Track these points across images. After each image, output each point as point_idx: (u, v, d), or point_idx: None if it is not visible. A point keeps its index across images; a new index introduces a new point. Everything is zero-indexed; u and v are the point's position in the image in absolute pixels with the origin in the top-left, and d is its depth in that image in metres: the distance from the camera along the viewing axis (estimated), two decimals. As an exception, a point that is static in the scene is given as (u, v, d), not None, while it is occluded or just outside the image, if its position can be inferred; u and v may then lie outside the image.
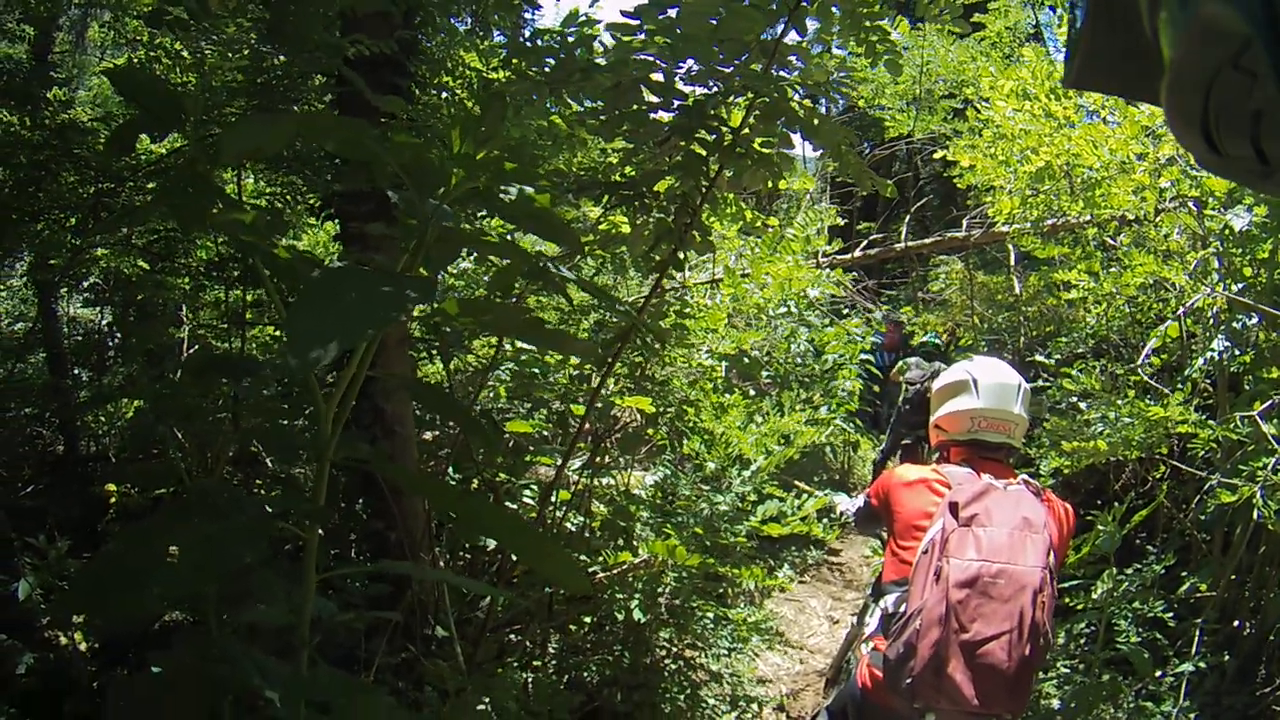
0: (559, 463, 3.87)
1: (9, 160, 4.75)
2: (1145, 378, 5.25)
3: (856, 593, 7.29)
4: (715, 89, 3.35)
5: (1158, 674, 4.55)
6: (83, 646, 4.31)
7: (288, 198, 5.23)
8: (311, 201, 5.10)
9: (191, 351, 6.02)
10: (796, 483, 7.03)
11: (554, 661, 4.76)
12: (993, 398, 3.64)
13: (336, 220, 4.43)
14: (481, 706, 3.35)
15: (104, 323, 7.15)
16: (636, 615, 4.34)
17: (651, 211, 3.52)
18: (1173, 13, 0.70)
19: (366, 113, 3.34)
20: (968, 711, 3.13)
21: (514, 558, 4.70)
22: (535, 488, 4.66)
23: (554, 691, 3.58)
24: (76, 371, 6.80)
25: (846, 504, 4.40)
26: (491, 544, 4.36)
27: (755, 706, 5.41)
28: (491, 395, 5.27)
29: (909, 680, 3.17)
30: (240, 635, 2.14)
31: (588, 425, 4.23)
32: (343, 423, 1.82)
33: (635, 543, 4.54)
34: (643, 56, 3.25)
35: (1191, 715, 4.32)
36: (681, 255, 3.48)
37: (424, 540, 4.39)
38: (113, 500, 4.77)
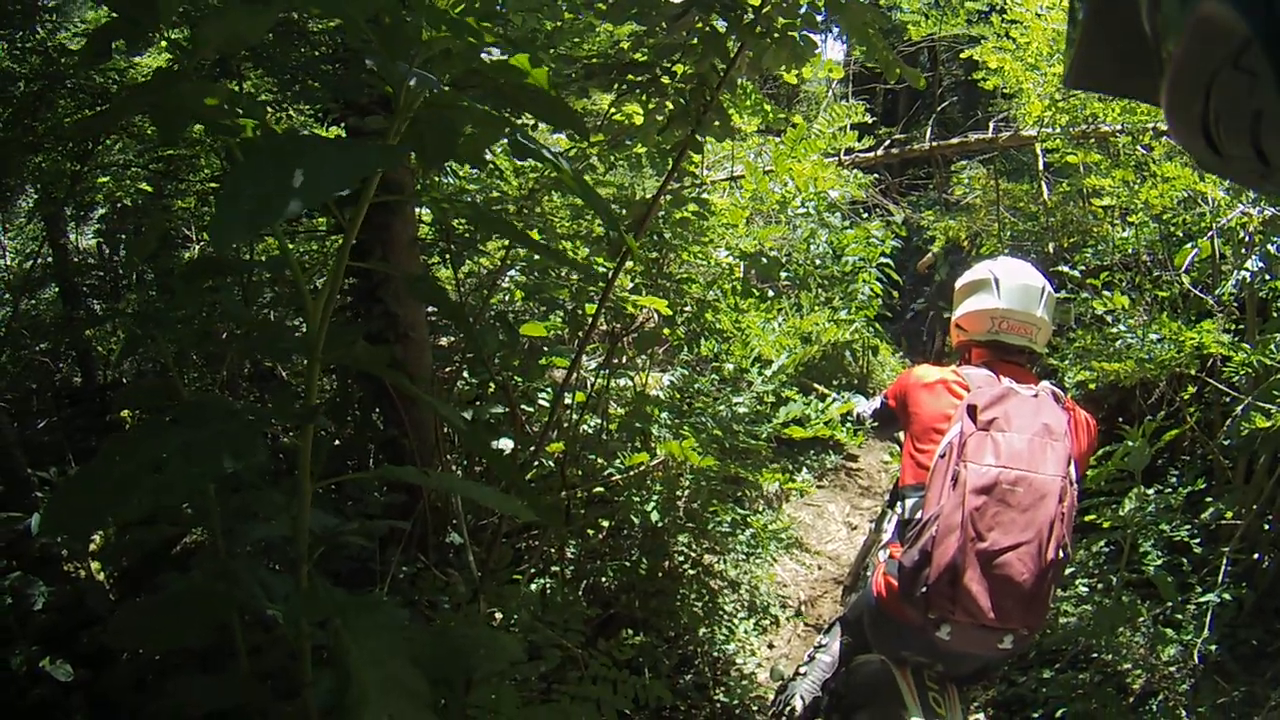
0: (571, 361, 3.74)
1: (2, 94, 4.61)
2: (1180, 294, 5.12)
3: (874, 499, 7.21)
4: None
5: (1181, 600, 4.43)
6: (101, 577, 4.29)
7: (287, 108, 5.07)
8: (316, 109, 4.94)
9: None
10: (816, 385, 6.89)
11: (571, 567, 4.71)
12: (1015, 299, 3.52)
13: (341, 125, 4.28)
14: (496, 616, 3.29)
15: (117, 251, 7.10)
16: (654, 518, 4.26)
17: (666, 95, 3.34)
18: (1172, 13, 0.71)
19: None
20: (983, 625, 3.04)
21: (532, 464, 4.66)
22: (550, 391, 4.57)
23: (569, 600, 3.49)
24: (91, 303, 6.73)
25: (863, 406, 4.30)
26: (507, 447, 4.27)
27: (773, 613, 5.39)
28: (506, 298, 5.17)
29: (923, 589, 3.08)
30: (254, 553, 2.07)
31: (600, 323, 4.12)
32: (327, 320, 1.71)
33: (653, 445, 4.44)
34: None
35: (1212, 646, 4.22)
36: (700, 138, 3.31)
37: (436, 446, 4.32)
38: (127, 426, 4.70)
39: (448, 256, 4.94)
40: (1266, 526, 4.55)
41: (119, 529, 3.73)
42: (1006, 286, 3.54)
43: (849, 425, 4.85)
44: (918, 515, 3.27)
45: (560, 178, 1.71)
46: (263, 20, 1.66)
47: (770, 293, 7.10)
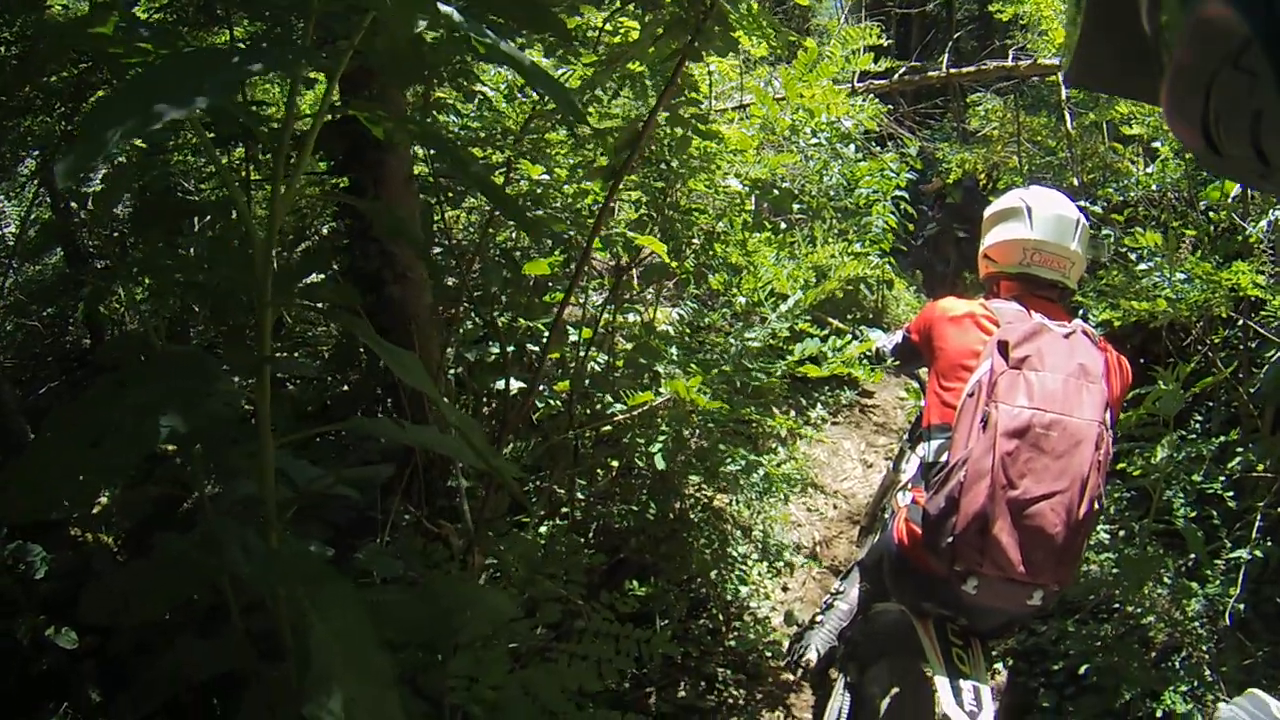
0: (572, 293, 3.57)
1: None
2: (1206, 234, 4.93)
3: (890, 436, 7.06)
4: None
5: (1209, 554, 4.25)
6: (109, 539, 4.20)
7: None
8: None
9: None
10: (830, 320, 6.74)
11: (580, 510, 4.59)
12: (1048, 229, 3.32)
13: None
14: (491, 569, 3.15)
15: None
16: (658, 462, 4.10)
17: (662, 4, 3.11)
18: (1173, 13, 0.72)
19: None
20: (1011, 579, 2.86)
21: (536, 404, 4.52)
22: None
23: (570, 548, 3.34)
24: (96, 264, 6.60)
25: (882, 340, 4.12)
26: (514, 387, 4.14)
27: (787, 556, 5.25)
28: (512, 235, 5.01)
29: (949, 539, 2.90)
30: (244, 511, 1.94)
31: (603, 256, 3.96)
32: (270, 261, 1.54)
33: (659, 384, 4.28)
34: None
35: (1240, 605, 4.05)
36: (698, 47, 3.08)
37: (438, 386, 4.17)
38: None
39: (450, 194, 4.79)
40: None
41: (123, 489, 3.64)
42: (1039, 216, 3.34)
43: (866, 363, 4.67)
44: (943, 458, 3.08)
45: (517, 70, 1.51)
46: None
47: (783, 225, 6.92)
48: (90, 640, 3.47)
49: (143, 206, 2.47)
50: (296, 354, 5.33)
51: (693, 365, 4.09)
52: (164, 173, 4.54)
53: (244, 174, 4.97)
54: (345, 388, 5.01)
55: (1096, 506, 2.91)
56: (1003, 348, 3.04)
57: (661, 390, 3.92)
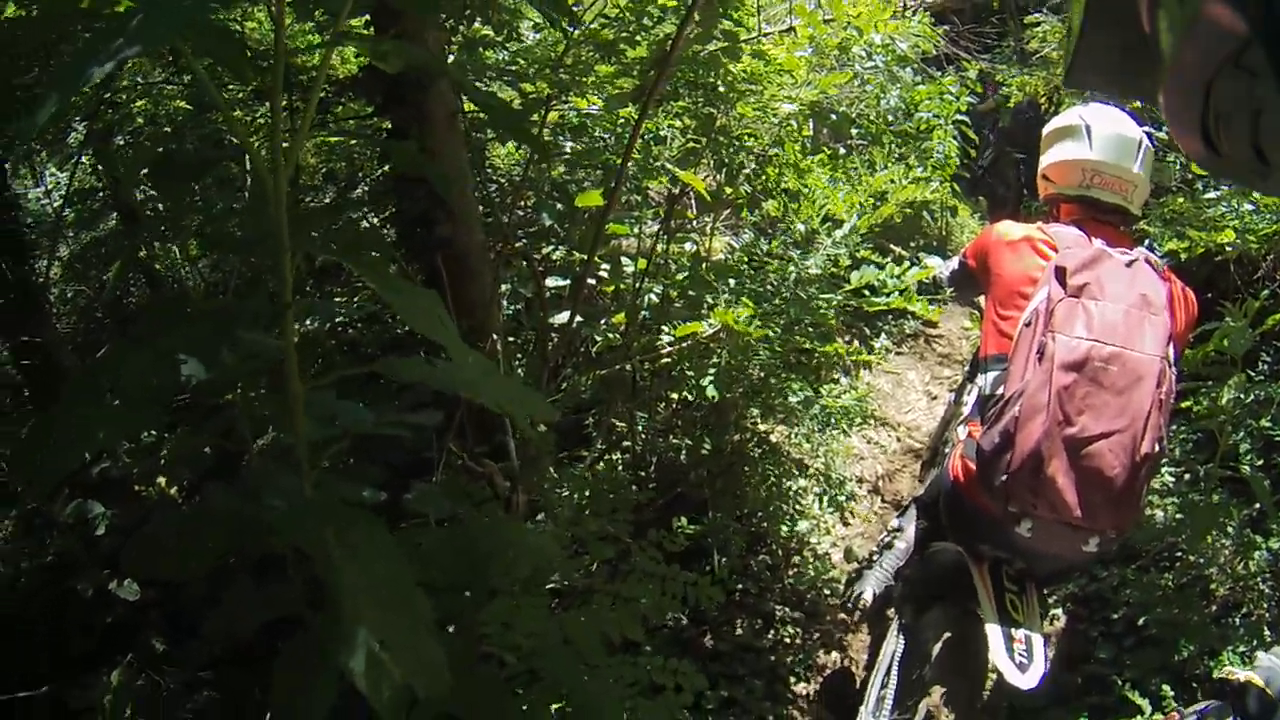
0: (609, 213, 3.47)
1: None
2: None
3: (955, 367, 6.91)
4: None
5: (1275, 504, 4.04)
6: (173, 492, 4.23)
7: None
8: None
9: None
10: (893, 247, 6.57)
11: (640, 443, 4.54)
12: (1109, 149, 3.15)
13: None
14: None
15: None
16: (710, 392, 4.00)
17: None
18: (1172, 12, 0.71)
19: None
20: (1067, 523, 2.74)
21: (595, 337, 4.46)
22: (612, 261, 4.36)
23: (616, 483, 3.26)
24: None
25: (941, 267, 3.99)
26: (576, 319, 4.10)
27: (848, 489, 5.16)
28: (565, 170, 4.92)
29: (1003, 477, 2.77)
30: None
31: (652, 185, 3.87)
32: (282, 202, 1.47)
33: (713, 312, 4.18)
34: None
35: None
36: None
37: (491, 322, 4.12)
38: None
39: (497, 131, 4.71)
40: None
41: (177, 440, 3.66)
42: (1099, 135, 3.18)
43: (926, 297, 4.51)
44: (1000, 391, 2.96)
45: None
46: None
47: (841, 151, 6.76)
48: (152, 592, 3.50)
49: (160, 162, 2.41)
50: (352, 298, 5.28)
51: (745, 297, 3.96)
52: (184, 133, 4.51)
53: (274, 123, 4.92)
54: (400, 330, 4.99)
55: (1158, 448, 2.77)
56: (1060, 274, 2.90)
57: (712, 320, 3.81)
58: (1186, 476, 4.51)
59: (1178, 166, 5.38)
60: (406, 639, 1.46)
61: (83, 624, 3.44)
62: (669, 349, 4.03)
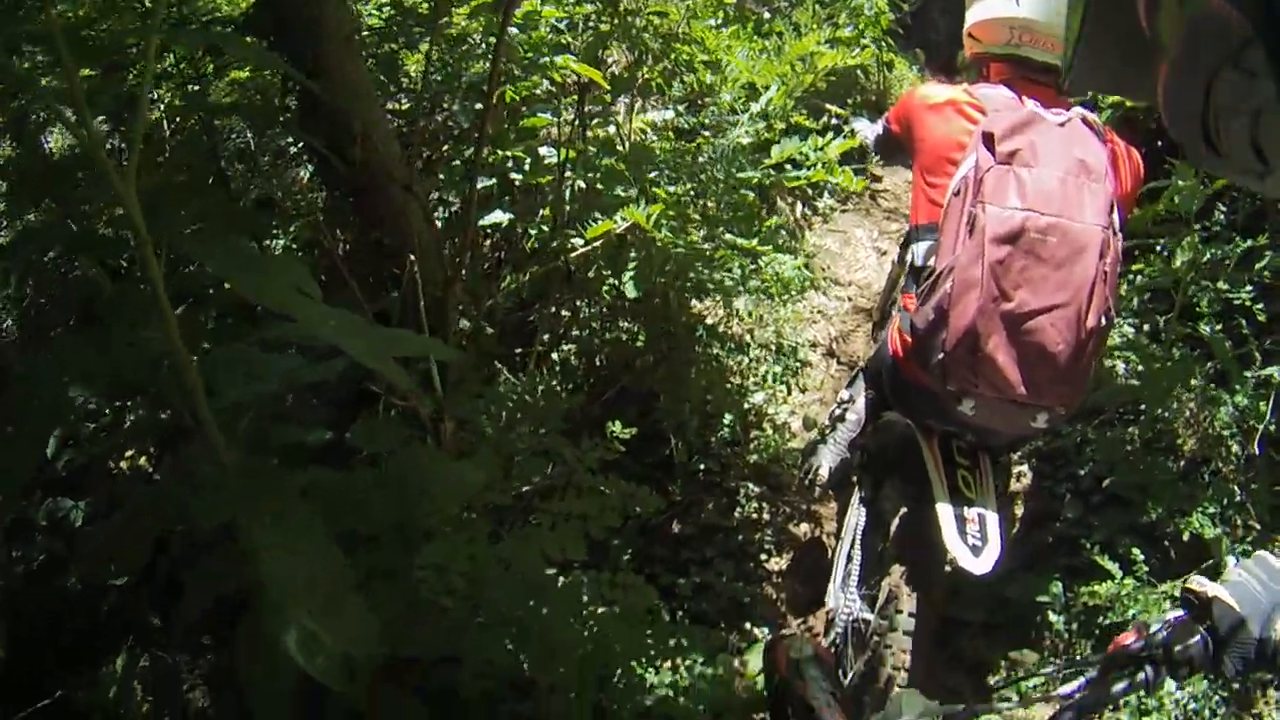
0: (489, 111, 3.38)
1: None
2: None
3: (902, 221, 6.79)
4: None
5: (1240, 366, 3.98)
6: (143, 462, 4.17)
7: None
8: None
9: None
10: (827, 106, 6.45)
11: (589, 330, 4.48)
12: (1038, 5, 2.98)
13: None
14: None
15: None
16: (629, 291, 3.92)
17: None
18: (1172, 12, 0.72)
19: None
20: (1011, 400, 2.68)
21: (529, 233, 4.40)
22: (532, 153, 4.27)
23: (545, 394, 3.19)
24: None
25: (866, 130, 3.89)
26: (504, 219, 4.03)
27: (801, 356, 5.13)
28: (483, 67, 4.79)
29: (940, 356, 2.71)
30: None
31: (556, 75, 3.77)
32: (133, 186, 1.42)
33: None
34: None
35: (1272, 427, 3.80)
36: None
37: (414, 237, 4.05)
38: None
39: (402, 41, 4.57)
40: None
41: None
42: None
43: (851, 167, 4.40)
44: (931, 262, 2.88)
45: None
46: None
47: (766, 15, 6.59)
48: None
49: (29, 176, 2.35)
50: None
51: (660, 186, 3.85)
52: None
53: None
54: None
55: (1105, 320, 2.70)
56: (988, 140, 2.78)
57: (623, 217, 3.71)
58: (1146, 328, 4.43)
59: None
60: (334, 607, 1.46)
61: (80, 619, 3.38)
62: (582, 250, 3.93)
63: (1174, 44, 0.72)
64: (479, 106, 4.14)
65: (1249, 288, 4.08)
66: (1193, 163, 0.70)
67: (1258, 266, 4.05)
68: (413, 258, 3.58)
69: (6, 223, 5.14)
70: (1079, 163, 2.74)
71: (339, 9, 3.70)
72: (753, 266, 4.30)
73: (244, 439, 1.72)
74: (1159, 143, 4.49)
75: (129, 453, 4.03)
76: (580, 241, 3.88)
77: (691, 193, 4.05)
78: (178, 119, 4.51)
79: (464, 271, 3.67)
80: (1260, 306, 4.04)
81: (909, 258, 3.17)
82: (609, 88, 4.15)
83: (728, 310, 4.80)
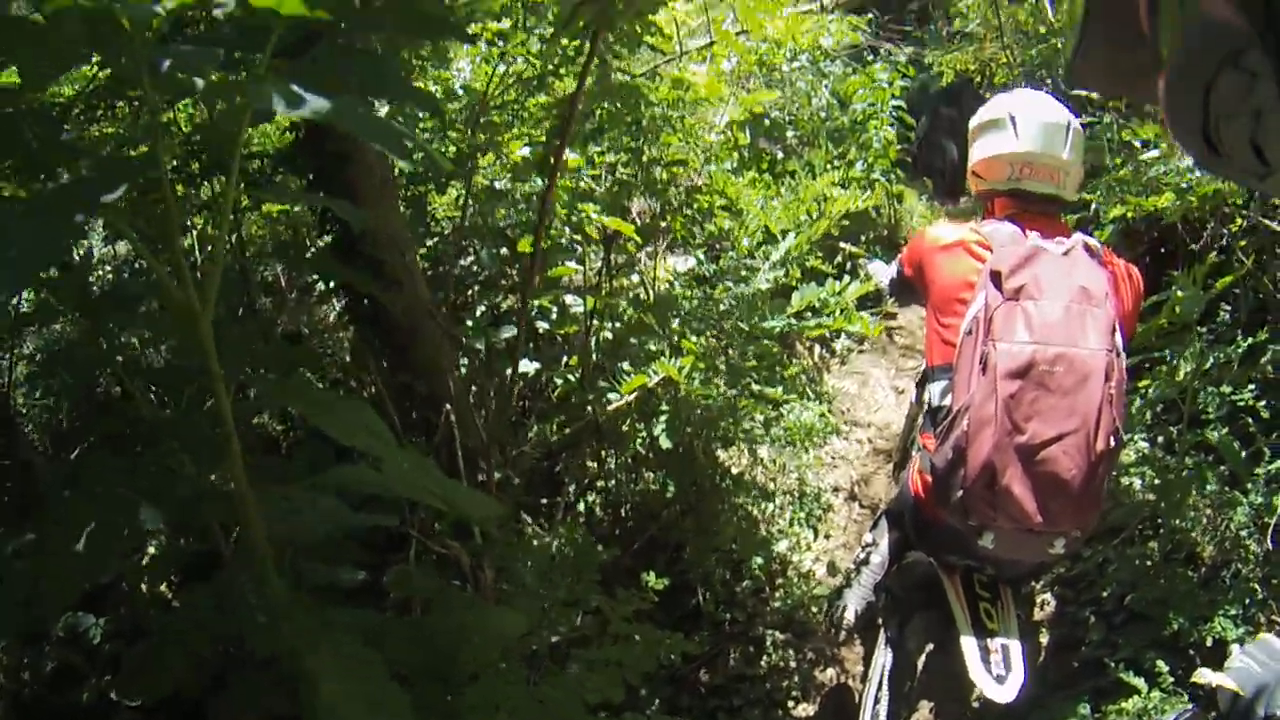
0: (533, 276, 3.45)
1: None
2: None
3: (918, 357, 6.85)
4: None
5: (1251, 464, 3.97)
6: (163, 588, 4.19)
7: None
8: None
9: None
10: (842, 245, 6.53)
11: (616, 482, 4.50)
12: (1036, 139, 3.09)
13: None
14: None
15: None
16: (663, 442, 3.96)
17: None
18: (1172, 13, 0.72)
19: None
20: (1029, 529, 2.71)
21: (556, 381, 4.44)
22: (559, 303, 4.34)
23: (580, 547, 3.23)
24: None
25: (881, 273, 3.96)
26: (530, 369, 4.08)
27: (824, 501, 5.11)
28: (510, 214, 4.89)
29: (959, 493, 2.76)
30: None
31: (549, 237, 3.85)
32: (209, 327, 1.47)
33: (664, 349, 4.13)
34: None
35: None
36: (615, 14, 2.85)
37: (446, 380, 4.09)
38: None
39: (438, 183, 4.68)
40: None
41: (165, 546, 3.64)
42: (1025, 125, 3.12)
43: (865, 313, 4.47)
44: (947, 402, 2.94)
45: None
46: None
47: (779, 155, 6.72)
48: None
49: (83, 301, 2.42)
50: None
51: (687, 340, 3.91)
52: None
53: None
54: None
55: (1114, 442, 2.75)
56: (996, 278, 2.85)
57: (655, 370, 3.77)
58: (1160, 439, 4.45)
59: (1113, 128, 5.36)
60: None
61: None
62: (618, 404, 3.99)
63: (1174, 45, 0.72)
64: (504, 251, 4.24)
65: (1252, 386, 4.10)
66: (1198, 163, 0.70)
67: (1261, 361, 4.07)
68: (448, 407, 3.62)
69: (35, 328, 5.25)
70: (1081, 290, 2.80)
71: (374, 155, 3.81)
72: (775, 414, 4.34)
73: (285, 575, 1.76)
74: (1162, 249, 4.55)
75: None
76: (615, 395, 3.92)
77: (716, 343, 4.11)
78: (209, 247, 4.60)
79: (496, 421, 3.72)
80: (1264, 404, 4.05)
81: (926, 398, 3.24)
82: (638, 240, 4.23)
83: (753, 459, 4.81)
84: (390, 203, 4.08)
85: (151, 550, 3.88)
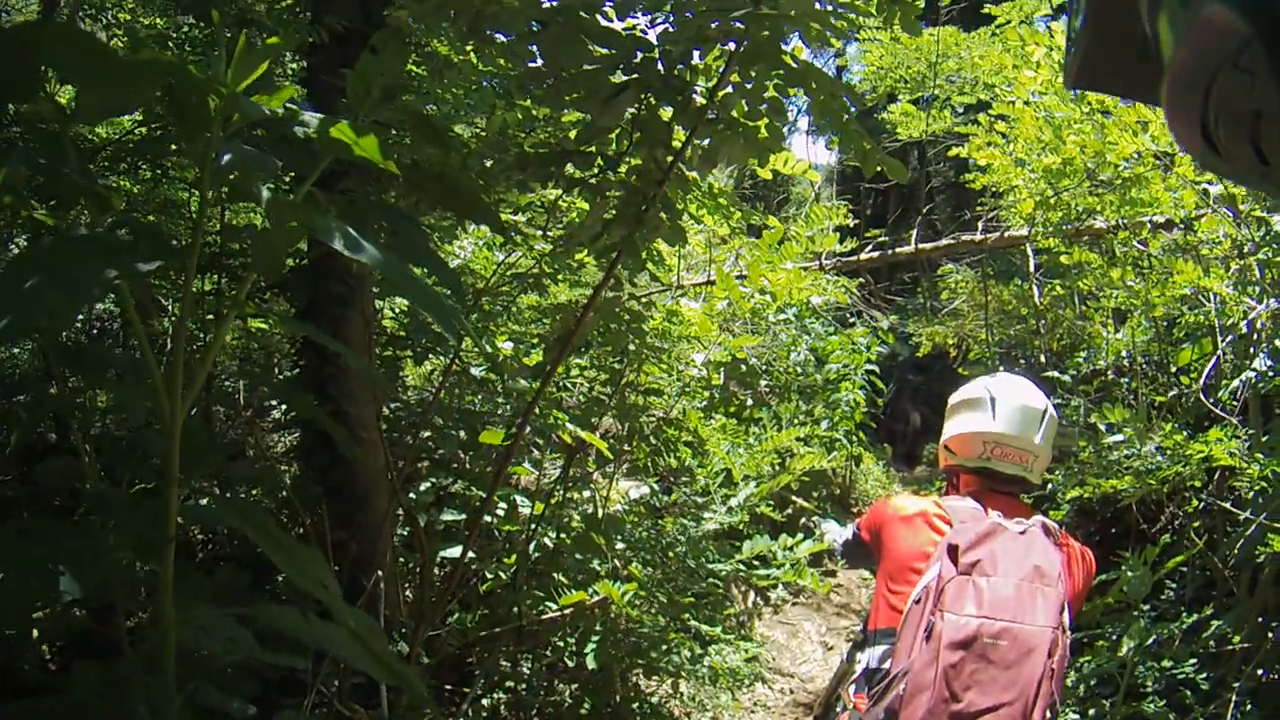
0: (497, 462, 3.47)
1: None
2: (1177, 399, 4.87)
3: (853, 617, 6.88)
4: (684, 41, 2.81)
5: None
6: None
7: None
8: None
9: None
10: (794, 499, 6.60)
11: (524, 686, 4.39)
12: (1012, 422, 3.14)
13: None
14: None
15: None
16: (590, 662, 3.91)
17: (606, 190, 3.02)
18: (1173, 12, 0.72)
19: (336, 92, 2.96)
20: None
21: (485, 575, 4.38)
22: (508, 501, 4.32)
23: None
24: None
25: (834, 534, 3.97)
26: (468, 555, 4.03)
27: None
28: (475, 401, 4.91)
29: None
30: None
31: (522, 439, 3.87)
32: (177, 431, 1.46)
33: (607, 570, 4.11)
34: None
35: None
36: (640, 241, 2.98)
37: (382, 550, 4.03)
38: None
39: (416, 350, 4.72)
40: (1270, 636, 4.18)
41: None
42: (1004, 407, 3.17)
43: (815, 574, 4.49)
44: (886, 664, 2.94)
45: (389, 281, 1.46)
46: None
47: (749, 401, 6.83)
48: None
49: (61, 349, 2.40)
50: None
51: (632, 567, 3.91)
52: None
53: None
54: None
55: (1050, 715, 2.69)
56: (953, 552, 2.85)
57: (596, 590, 3.75)
58: (1092, 712, 4.42)
59: (1081, 411, 5.51)
60: None
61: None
62: (552, 615, 3.95)
63: (1175, 44, 0.72)
64: (463, 435, 4.23)
65: (1193, 660, 4.11)
66: (1199, 164, 0.69)
67: (1203, 636, 4.10)
68: (379, 573, 3.57)
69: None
70: (1035, 569, 2.80)
71: (368, 307, 3.85)
72: (702, 652, 4.28)
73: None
74: (1113, 529, 4.59)
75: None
76: (551, 605, 3.88)
77: (660, 575, 4.09)
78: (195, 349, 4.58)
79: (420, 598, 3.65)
80: (1204, 676, 4.06)
81: (864, 659, 3.19)
82: (608, 456, 4.26)
83: (673, 691, 4.72)
84: (369, 358, 4.11)
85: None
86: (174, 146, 3.66)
